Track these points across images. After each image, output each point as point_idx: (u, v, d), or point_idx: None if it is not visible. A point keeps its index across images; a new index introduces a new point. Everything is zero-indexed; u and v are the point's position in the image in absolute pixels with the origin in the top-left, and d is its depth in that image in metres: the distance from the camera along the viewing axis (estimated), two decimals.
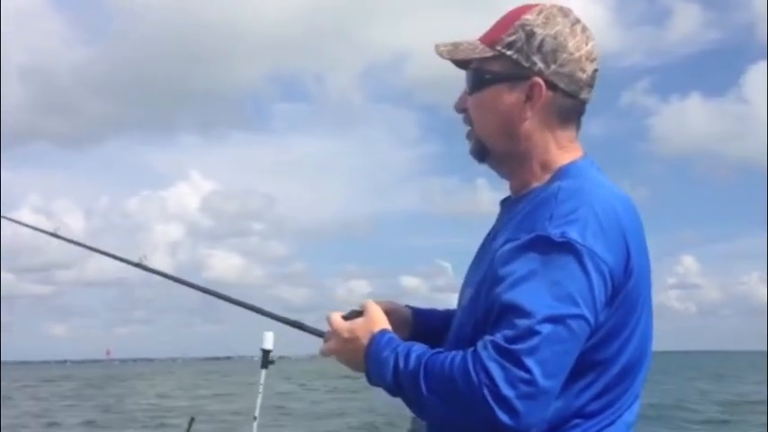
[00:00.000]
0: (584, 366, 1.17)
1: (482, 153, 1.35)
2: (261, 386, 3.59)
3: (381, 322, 1.32)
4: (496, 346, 1.09)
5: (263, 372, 3.52)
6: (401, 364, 1.18)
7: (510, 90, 1.29)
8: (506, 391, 1.07)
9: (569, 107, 1.29)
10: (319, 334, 1.48)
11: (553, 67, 1.26)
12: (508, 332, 1.09)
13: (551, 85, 1.27)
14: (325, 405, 24.36)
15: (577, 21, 1.30)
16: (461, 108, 1.37)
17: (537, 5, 1.31)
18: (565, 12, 1.31)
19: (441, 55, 1.35)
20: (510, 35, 1.28)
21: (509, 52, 1.28)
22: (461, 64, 1.35)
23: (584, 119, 1.36)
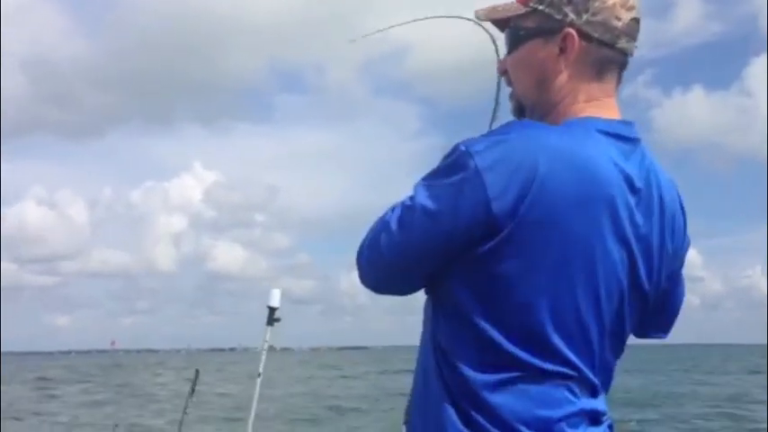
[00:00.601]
0: (486, 309, 1.18)
1: (520, 111, 1.35)
2: (266, 343, 3.60)
3: None
4: (385, 212, 1.27)
5: (269, 329, 3.54)
6: None
7: (544, 44, 1.28)
8: (366, 241, 1.28)
9: (606, 57, 1.27)
10: None
11: (585, 16, 1.24)
12: (395, 206, 1.25)
13: (585, 36, 1.25)
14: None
15: None
16: (501, 70, 1.39)
17: None
18: None
19: (479, 18, 1.38)
20: None
21: (540, 6, 1.27)
22: (498, 25, 1.37)
23: None
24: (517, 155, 1.16)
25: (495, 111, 1.60)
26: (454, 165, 1.19)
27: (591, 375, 1.24)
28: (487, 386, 1.19)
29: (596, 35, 1.26)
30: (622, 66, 1.30)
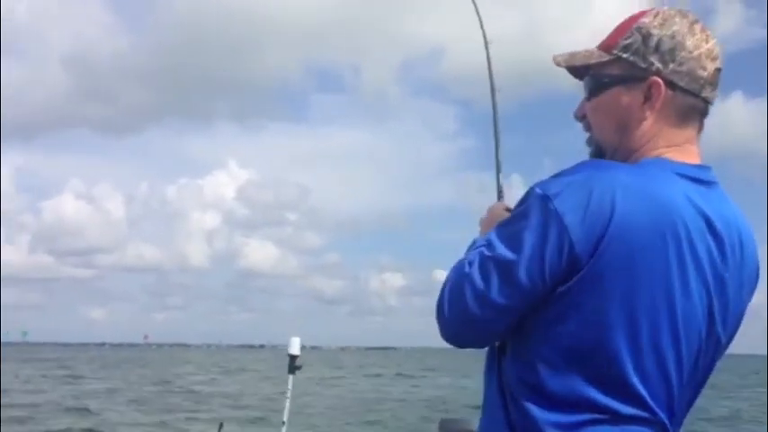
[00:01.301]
0: (562, 346, 1.19)
1: (600, 157, 1.35)
2: (289, 391, 3.54)
3: None
4: (460, 261, 1.27)
5: (291, 377, 3.48)
6: (466, 250, 1.33)
7: (628, 91, 1.29)
8: (445, 297, 1.25)
9: (690, 105, 1.29)
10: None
11: (672, 66, 1.26)
12: (471, 254, 1.25)
13: (670, 84, 1.26)
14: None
15: (696, 20, 1.29)
16: (580, 115, 1.39)
17: (654, 9, 1.32)
18: (683, 13, 1.30)
19: (558, 64, 1.37)
20: (626, 38, 1.29)
21: (625, 55, 1.29)
22: (578, 73, 1.37)
23: None
24: (594, 194, 1.17)
25: (495, 129, 1.83)
26: (532, 209, 1.20)
27: (666, 420, 1.22)
28: (557, 427, 1.18)
29: (682, 84, 1.27)
30: (704, 113, 1.32)
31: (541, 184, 1.23)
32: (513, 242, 1.20)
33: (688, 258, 1.21)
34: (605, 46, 1.33)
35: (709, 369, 1.30)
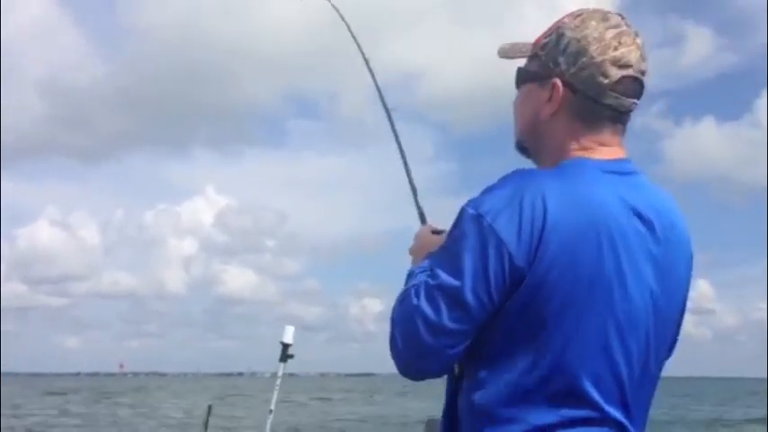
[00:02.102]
0: (516, 360, 1.21)
1: (520, 147, 1.43)
2: (279, 379, 3.58)
3: None
4: (404, 293, 1.28)
5: (282, 365, 3.52)
6: (406, 281, 1.33)
7: (538, 89, 1.35)
8: (396, 333, 1.25)
9: (591, 110, 1.31)
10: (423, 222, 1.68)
11: (572, 69, 1.29)
12: (415, 285, 1.26)
13: (570, 87, 1.30)
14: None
15: (614, 25, 1.31)
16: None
17: (581, 10, 1.35)
18: (605, 15, 1.32)
19: (498, 54, 1.42)
20: (546, 37, 1.34)
21: (542, 53, 1.34)
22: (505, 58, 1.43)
23: None
24: (525, 204, 1.20)
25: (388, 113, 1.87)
26: (468, 230, 1.22)
27: (622, 418, 1.25)
28: None
29: (580, 88, 1.31)
30: (616, 119, 1.32)
31: (472, 203, 1.25)
32: (455, 266, 1.22)
33: (623, 253, 1.23)
34: (535, 42, 1.38)
35: (663, 359, 1.34)
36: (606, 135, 1.33)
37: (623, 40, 1.31)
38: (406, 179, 1.83)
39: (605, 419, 1.24)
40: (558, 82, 1.32)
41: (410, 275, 1.34)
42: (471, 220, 1.23)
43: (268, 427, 3.70)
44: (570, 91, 1.31)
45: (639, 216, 1.26)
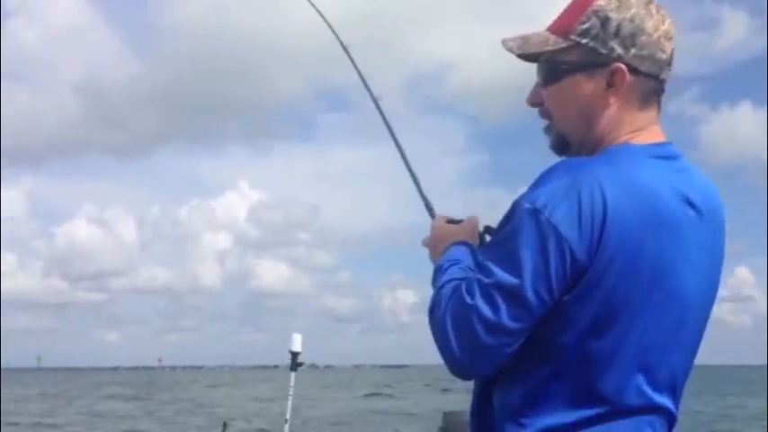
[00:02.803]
0: (572, 356, 1.18)
1: (563, 146, 1.33)
2: (291, 389, 3.61)
3: (467, 235, 1.41)
4: (457, 292, 1.21)
5: (293, 375, 3.58)
6: (437, 276, 1.31)
7: (589, 78, 1.26)
8: (450, 334, 1.19)
9: (651, 88, 1.27)
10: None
11: (633, 50, 1.24)
12: (468, 284, 1.20)
13: (632, 70, 1.24)
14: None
15: (651, 0, 1.27)
16: (536, 102, 1.35)
17: None
18: None
19: (510, 50, 1.32)
20: (583, 23, 1.26)
21: (584, 40, 1.25)
22: (530, 58, 1.32)
23: None
24: (584, 196, 1.15)
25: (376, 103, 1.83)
26: (524, 225, 1.17)
27: (669, 404, 1.25)
28: (568, 428, 1.18)
29: (644, 69, 1.25)
30: (661, 94, 1.31)
31: (526, 196, 1.20)
32: (513, 264, 1.17)
33: (678, 243, 1.21)
34: (560, 30, 1.29)
35: (703, 332, 1.33)
36: (654, 112, 1.30)
37: (663, 12, 1.28)
38: (407, 172, 1.78)
39: (656, 408, 1.23)
40: (623, 66, 1.24)
41: (440, 270, 1.32)
42: (528, 215, 1.17)
43: None
44: (632, 74, 1.25)
45: (689, 202, 1.23)
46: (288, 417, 3.69)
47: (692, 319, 1.26)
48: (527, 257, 1.16)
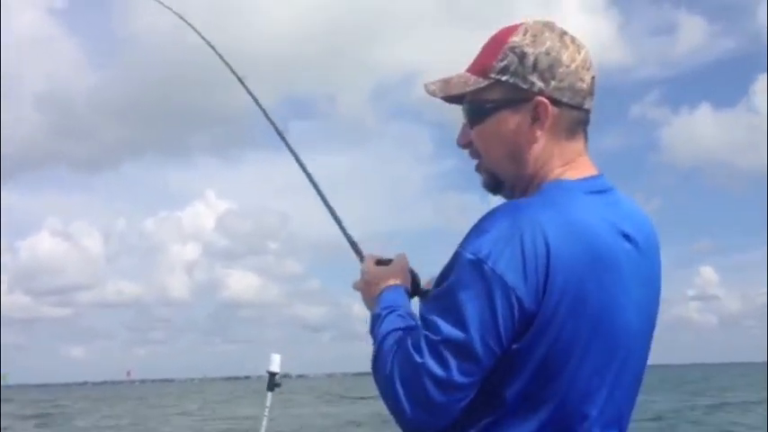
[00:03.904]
0: (520, 402, 1.18)
1: (495, 184, 1.35)
2: (267, 409, 3.47)
3: (399, 276, 1.42)
4: (404, 350, 1.19)
5: (269, 395, 3.43)
6: (376, 326, 1.30)
7: (514, 114, 1.27)
8: (400, 392, 1.17)
9: (575, 119, 1.29)
10: (361, 259, 1.56)
11: (553, 83, 1.26)
12: (414, 341, 1.18)
13: (555, 102, 1.26)
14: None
15: (564, 32, 1.30)
16: (465, 143, 1.36)
17: (520, 25, 1.31)
18: (550, 26, 1.30)
19: (432, 94, 1.34)
20: (501, 60, 1.27)
21: (504, 77, 1.27)
22: (454, 99, 1.34)
23: (596, 133, 1.33)
24: (526, 242, 1.15)
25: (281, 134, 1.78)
26: (468, 277, 1.16)
27: None
28: None
29: (565, 100, 1.27)
30: (587, 123, 1.32)
31: (467, 247, 1.18)
32: (460, 317, 1.15)
33: (618, 280, 1.22)
34: (479, 70, 1.31)
35: (646, 362, 1.33)
36: (581, 142, 1.32)
37: (578, 42, 1.31)
38: (326, 208, 1.72)
39: None
40: (545, 100, 1.26)
41: (378, 319, 1.32)
42: (471, 266, 1.16)
43: None
44: (555, 106, 1.27)
45: (625, 235, 1.25)
46: None
47: (635, 354, 1.27)
48: (474, 310, 1.15)
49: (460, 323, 1.15)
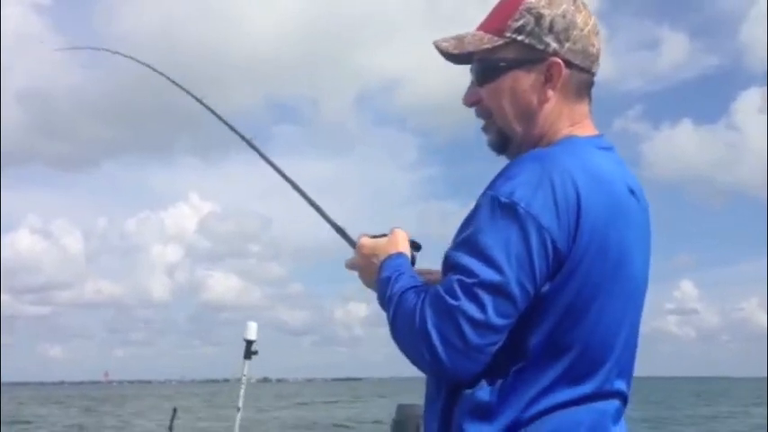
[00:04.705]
0: (546, 346, 1.19)
1: (504, 143, 1.35)
2: (244, 377, 3.56)
3: (400, 245, 1.41)
4: (435, 296, 1.18)
5: (246, 363, 3.50)
6: (389, 288, 1.29)
7: (527, 74, 1.30)
8: (435, 339, 1.15)
9: (584, 82, 1.32)
10: (353, 245, 1.50)
11: (567, 45, 1.28)
12: (447, 286, 1.17)
13: (567, 63, 1.29)
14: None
15: None
16: (473, 101, 1.36)
17: None
18: None
19: (446, 50, 1.34)
20: (517, 20, 1.29)
21: (520, 37, 1.29)
22: (462, 59, 1.35)
23: None
24: (557, 186, 1.17)
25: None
26: (502, 219, 1.16)
27: (624, 387, 1.29)
28: (535, 418, 1.18)
29: (577, 62, 1.30)
30: (592, 86, 1.36)
31: (498, 190, 1.18)
32: (494, 259, 1.15)
33: (632, 230, 1.26)
34: (494, 29, 1.32)
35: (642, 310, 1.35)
36: (587, 105, 1.35)
37: (588, 8, 1.33)
38: (305, 201, 1.68)
39: (614, 393, 1.26)
40: (559, 60, 1.28)
41: (389, 281, 1.30)
42: (504, 209, 1.16)
43: (237, 425, 3.71)
44: (567, 68, 1.29)
45: (632, 191, 1.28)
46: (240, 405, 3.63)
47: (639, 300, 1.31)
48: (509, 251, 1.15)
49: (495, 265, 1.15)
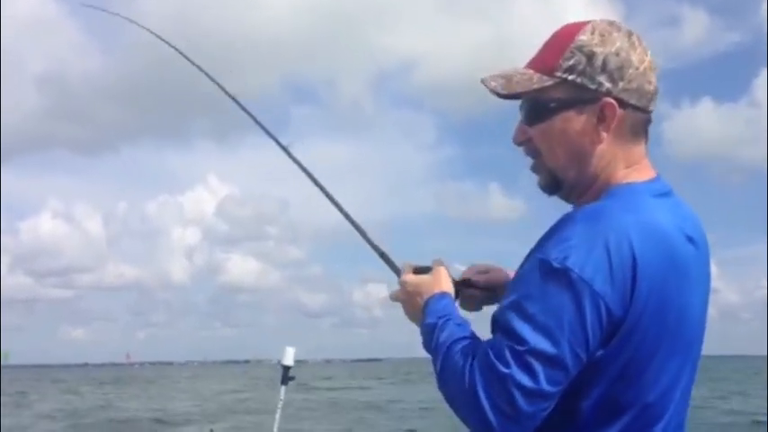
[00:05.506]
0: (599, 408, 1.18)
1: (556, 185, 1.32)
2: (280, 402, 3.46)
3: (443, 284, 1.40)
4: (485, 360, 1.16)
5: (283, 388, 3.41)
6: (435, 336, 1.28)
7: (579, 115, 1.25)
8: (485, 404, 1.14)
9: (640, 121, 1.28)
10: (397, 272, 1.49)
11: (621, 84, 1.24)
12: (497, 351, 1.15)
13: (622, 103, 1.24)
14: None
15: (631, 32, 1.28)
16: (521, 140, 1.33)
17: (586, 24, 1.28)
18: (617, 26, 1.28)
19: (494, 90, 1.29)
20: (567, 59, 1.25)
21: (571, 76, 1.25)
22: (512, 96, 1.31)
23: None
24: (612, 248, 1.14)
25: None
26: (554, 285, 1.14)
27: None
28: None
29: (632, 102, 1.25)
30: (649, 124, 1.31)
31: (550, 253, 1.16)
32: (547, 327, 1.13)
33: (691, 285, 1.23)
34: (544, 67, 1.28)
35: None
36: (643, 145, 1.31)
37: (644, 43, 1.29)
38: (344, 216, 1.64)
39: None
40: (612, 101, 1.24)
41: (435, 329, 1.28)
42: (557, 274, 1.14)
43: None
44: (621, 108, 1.25)
45: (689, 238, 1.24)
46: (275, 430, 3.59)
47: (697, 348, 1.28)
48: (562, 319, 1.13)
49: (548, 332, 1.13)
